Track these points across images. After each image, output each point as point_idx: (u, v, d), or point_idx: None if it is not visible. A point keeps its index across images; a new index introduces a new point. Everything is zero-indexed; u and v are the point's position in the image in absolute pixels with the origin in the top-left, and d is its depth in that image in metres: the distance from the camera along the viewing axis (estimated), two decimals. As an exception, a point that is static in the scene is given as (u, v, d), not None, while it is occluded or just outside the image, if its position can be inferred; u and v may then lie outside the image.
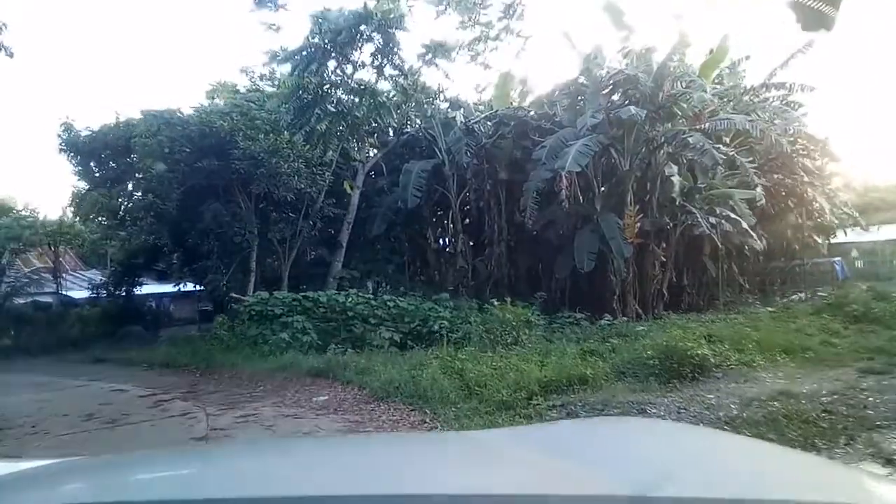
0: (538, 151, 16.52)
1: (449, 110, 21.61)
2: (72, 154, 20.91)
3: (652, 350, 9.33)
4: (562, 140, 16.11)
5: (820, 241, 23.25)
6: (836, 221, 23.70)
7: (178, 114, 17.71)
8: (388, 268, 21.05)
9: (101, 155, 20.59)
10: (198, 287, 23.04)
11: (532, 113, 19.93)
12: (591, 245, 16.26)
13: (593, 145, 15.42)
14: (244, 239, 18.10)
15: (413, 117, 21.28)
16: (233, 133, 16.72)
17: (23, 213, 23.84)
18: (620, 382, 8.41)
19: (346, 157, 20.44)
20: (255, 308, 14.34)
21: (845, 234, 24.95)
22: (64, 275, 32.26)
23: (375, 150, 22.27)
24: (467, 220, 21.87)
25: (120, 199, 19.49)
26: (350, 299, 14.29)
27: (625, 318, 15.91)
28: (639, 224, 16.68)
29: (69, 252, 35.25)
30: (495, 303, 13.56)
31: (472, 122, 20.62)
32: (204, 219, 17.63)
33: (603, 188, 17.64)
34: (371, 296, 14.77)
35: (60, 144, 20.66)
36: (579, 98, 17.84)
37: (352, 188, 20.70)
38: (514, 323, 11.50)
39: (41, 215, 23.65)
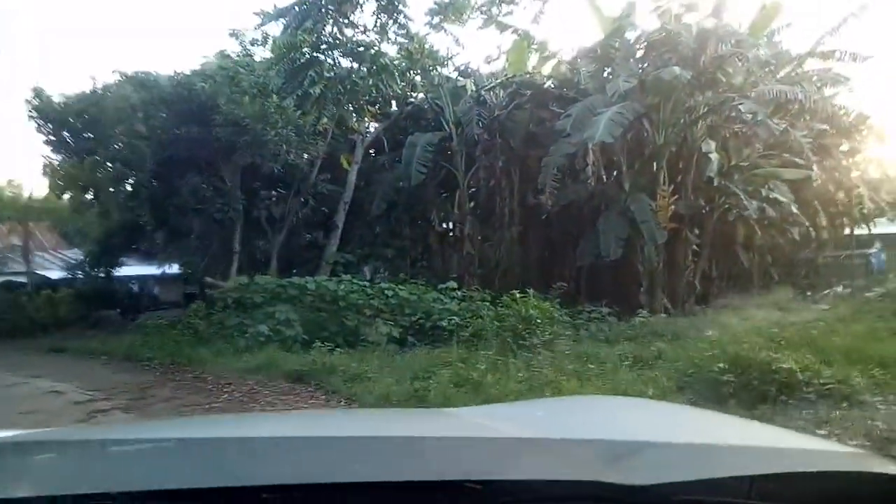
0: (562, 121, 14.39)
1: (458, 79, 19.45)
2: (43, 122, 18.78)
3: (720, 360, 7.28)
4: (589, 108, 13.98)
5: (856, 230, 21.24)
6: (874, 209, 21.65)
7: (153, 74, 15.55)
8: (388, 252, 18.98)
9: (75, 123, 18.43)
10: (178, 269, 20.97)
11: (552, 80, 17.74)
12: (619, 229, 14.18)
13: (627, 113, 13.30)
14: (226, 216, 16.04)
15: (419, 85, 19.06)
16: (215, 96, 14.59)
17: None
18: (690, 405, 6.36)
19: (344, 128, 18.29)
20: (232, 295, 12.30)
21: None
22: (41, 253, 30.26)
23: (375, 124, 20.10)
24: (475, 202, 19.77)
25: (92, 172, 17.31)
26: (343, 287, 12.25)
27: (648, 313, 13.96)
28: (672, 207, 14.60)
29: (48, 229, 33.26)
30: (514, 294, 11.53)
31: (483, 90, 18.45)
32: (181, 193, 15.55)
33: (631, 166, 15.52)
34: (367, 283, 12.72)
35: (30, 112, 18.52)
36: (607, 63, 15.67)
37: (349, 164, 18.60)
38: (538, 320, 9.43)
39: (11, 189, 21.42)
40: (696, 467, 1.12)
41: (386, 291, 12.32)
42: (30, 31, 57.86)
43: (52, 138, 19.04)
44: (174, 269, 23.22)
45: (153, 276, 28.24)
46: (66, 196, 19.65)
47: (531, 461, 1.23)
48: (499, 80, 18.27)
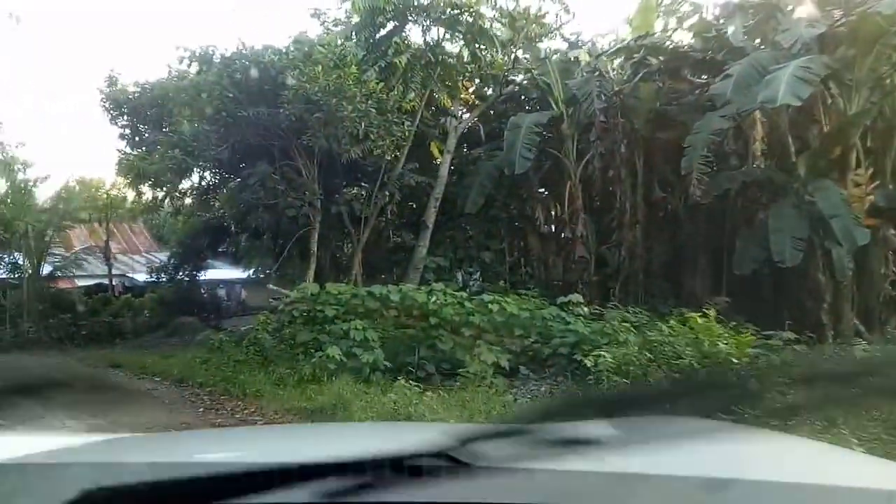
0: (719, 84, 10.90)
1: (569, 51, 16.25)
2: (116, 112, 17.34)
3: None
4: (756, 67, 10.41)
5: None
6: None
7: (218, 49, 13.43)
8: (484, 256, 16.04)
9: (147, 113, 16.82)
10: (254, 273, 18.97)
11: (691, 43, 14.17)
12: (797, 227, 10.49)
13: (815, 68, 9.64)
14: (301, 213, 13.65)
15: (521, 59, 16.02)
16: (285, 70, 12.24)
17: (71, 184, 20.54)
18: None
19: (434, 109, 15.55)
20: (298, 307, 9.75)
21: None
22: (133, 256, 29.66)
23: (467, 114, 17.20)
24: (589, 196, 16.45)
25: (161, 165, 15.51)
26: (435, 298, 9.39)
27: (834, 338, 10.22)
28: (870, 197, 10.75)
29: (137, 230, 32.83)
30: (681, 312, 8.26)
31: (600, 62, 15.15)
32: (250, 186, 13.34)
33: (806, 144, 11.74)
34: (464, 294, 9.78)
35: (102, 100, 17.12)
36: (772, 13, 11.97)
37: (441, 152, 15.86)
38: (730, 356, 6.08)
39: (90, 187, 20.27)
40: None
41: (489, 305, 9.35)
42: (107, 15, 58.89)
43: (127, 131, 17.59)
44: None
45: (241, 280, 26.87)
46: (139, 193, 18.08)
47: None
48: (619, 47, 14.88)
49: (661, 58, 13.97)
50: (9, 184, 18.54)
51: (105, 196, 19.41)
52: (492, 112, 17.23)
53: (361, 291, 9.80)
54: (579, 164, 15.67)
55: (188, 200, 17.05)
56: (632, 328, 8.51)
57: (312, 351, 10.49)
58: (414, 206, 15.93)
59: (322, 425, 5.20)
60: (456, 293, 9.76)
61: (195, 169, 15.04)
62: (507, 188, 15.87)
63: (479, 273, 16.53)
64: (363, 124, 11.59)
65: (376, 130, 11.85)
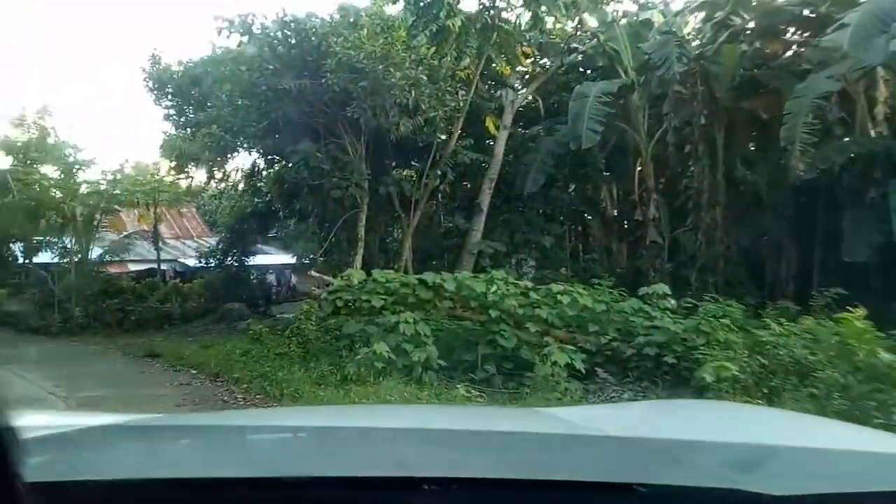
0: (832, 35, 9.19)
1: (639, 12, 14.60)
2: (160, 92, 16.71)
3: None
4: (879, 14, 8.66)
5: None
6: None
7: (258, 19, 12.41)
8: (544, 241, 14.66)
9: (190, 92, 16.10)
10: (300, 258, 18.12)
11: (787, -3, 12.34)
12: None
13: (962, 11, 7.86)
14: (348, 195, 12.60)
15: (586, 21, 14.46)
16: (329, 37, 11.13)
17: (126, 170, 20.07)
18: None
19: (491, 83, 14.21)
20: (342, 296, 8.68)
21: None
22: (185, 241, 29.49)
23: (523, 90, 15.74)
24: (662, 174, 14.87)
25: (202, 145, 14.71)
26: (495, 288, 8.14)
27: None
28: None
29: (194, 215, 32.69)
30: (756, 301, 6.81)
31: (676, 20, 13.47)
32: (293, 165, 12.37)
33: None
34: (528, 283, 8.49)
35: (146, 80, 16.49)
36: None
37: (497, 128, 14.52)
38: (886, 369, 4.63)
39: (136, 170, 19.78)
40: (835, 477, 1.03)
41: (559, 297, 8.04)
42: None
43: (171, 112, 16.93)
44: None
45: (290, 265, 26.27)
46: (186, 175, 17.45)
47: (665, 465, 1.13)
48: (701, 0, 13.16)
49: (750, 15, 12.20)
50: (58, 168, 18.21)
51: (153, 179, 18.85)
52: (552, 86, 15.77)
53: (412, 279, 8.64)
54: (651, 140, 14.12)
55: (233, 183, 16.22)
56: (732, 326, 7.05)
57: (357, 345, 9.56)
58: (468, 186, 14.68)
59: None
60: (519, 282, 8.48)
61: (238, 149, 14.18)
62: (571, 165, 14.44)
63: (537, 259, 15.22)
64: (413, 93, 10.37)
65: (427, 100, 10.62)
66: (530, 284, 8.40)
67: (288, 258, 25.49)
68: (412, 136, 12.85)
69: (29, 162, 19.36)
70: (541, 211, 14.92)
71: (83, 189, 17.99)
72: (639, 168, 14.48)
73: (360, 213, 13.28)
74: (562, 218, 15.94)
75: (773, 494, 0.86)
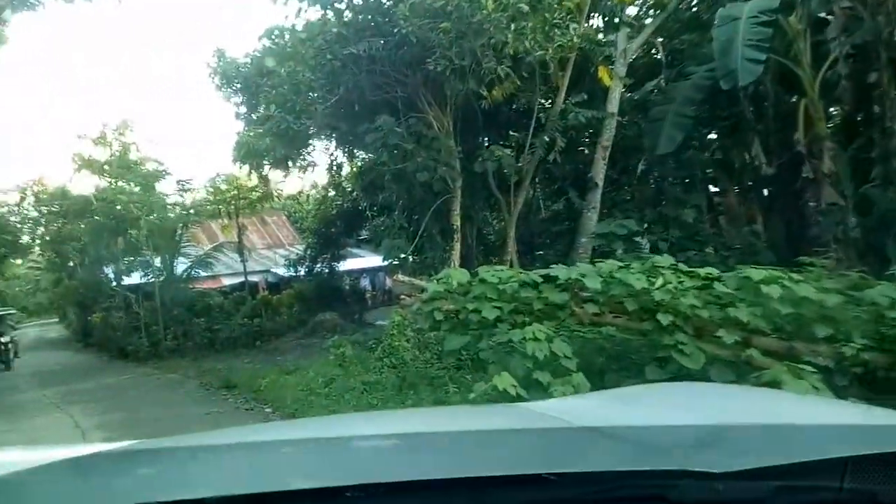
0: None
1: None
2: (227, 88, 15.21)
3: None
4: None
5: None
6: None
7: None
8: (684, 214, 11.61)
9: (258, 83, 14.42)
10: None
11: None
12: None
13: None
14: (436, 177, 10.25)
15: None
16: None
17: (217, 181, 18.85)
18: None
19: (606, 19, 11.37)
20: (440, 306, 6.28)
21: None
22: (277, 250, 28.48)
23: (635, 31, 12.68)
24: (835, 117, 11.44)
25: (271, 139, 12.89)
26: (662, 282, 5.43)
27: None
28: None
29: (284, 223, 31.78)
30: None
31: None
32: (370, 145, 10.21)
33: None
34: (711, 271, 5.65)
35: (211, 76, 15.03)
36: None
37: (611, 79, 11.65)
38: None
39: (232, 181, 18.53)
40: (783, 451, 1.02)
41: (762, 287, 5.20)
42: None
43: (242, 109, 15.39)
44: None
45: (383, 267, 24.51)
46: (260, 176, 15.85)
47: (607, 451, 1.15)
48: None
49: None
50: (138, 184, 17.22)
51: (233, 186, 17.54)
52: (672, 25, 12.68)
53: (534, 277, 6.10)
54: (818, 73, 10.75)
55: (313, 181, 14.47)
56: None
57: (465, 368, 7.26)
58: (581, 151, 11.94)
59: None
60: (693, 270, 5.71)
61: (310, 139, 12.27)
62: (711, 115, 11.35)
63: (672, 239, 12.18)
64: (512, 27, 7.77)
65: (531, 35, 7.95)
66: (713, 272, 5.61)
67: (380, 260, 23.76)
68: (508, 99, 10.38)
69: (113, 180, 18.67)
70: (675, 179, 11.89)
71: (163, 202, 16.89)
72: (803, 111, 11.14)
73: (452, 198, 10.92)
74: (706, 185, 12.79)
75: (721, 472, 0.86)
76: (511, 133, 11.63)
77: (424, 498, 0.92)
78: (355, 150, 14.88)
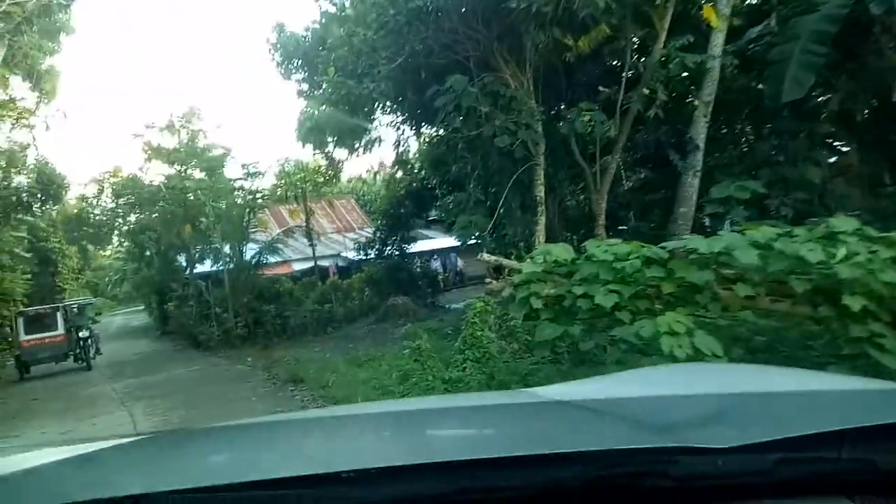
0: None
1: None
2: (288, 64, 14.36)
3: None
4: None
5: None
6: None
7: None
8: (810, 174, 9.75)
9: (319, 56, 13.49)
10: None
11: None
12: None
13: None
14: (517, 142, 8.93)
15: None
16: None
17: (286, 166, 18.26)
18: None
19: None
20: (538, 290, 5.00)
21: None
22: (347, 234, 27.92)
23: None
24: None
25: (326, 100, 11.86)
26: (845, 252, 3.93)
27: None
28: None
29: (353, 206, 31.24)
30: None
31: None
32: (436, 116, 9.01)
33: None
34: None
35: (271, 51, 14.22)
36: None
37: (716, 17, 9.87)
38: None
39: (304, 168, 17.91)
40: (781, 424, 1.01)
41: None
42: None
43: (303, 86, 14.52)
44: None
45: (455, 247, 23.41)
46: (324, 155, 14.96)
47: (607, 430, 1.14)
48: None
49: None
50: (204, 170, 16.78)
51: (299, 169, 16.84)
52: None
53: (660, 252, 4.74)
54: None
55: (379, 161, 13.48)
56: None
57: (565, 358, 6.09)
58: (675, 109, 10.28)
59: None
60: (889, 235, 4.20)
61: (374, 107, 11.18)
62: (846, 51, 9.39)
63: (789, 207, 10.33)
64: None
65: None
66: (916, 237, 4.10)
67: (451, 240, 22.70)
68: (595, 51, 8.89)
69: (182, 168, 18.41)
70: (803, 131, 10.02)
71: (229, 188, 16.38)
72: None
73: (534, 166, 9.57)
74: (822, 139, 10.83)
75: (722, 447, 0.86)
76: (601, 89, 10.08)
77: (425, 479, 0.90)
78: (422, 126, 13.75)
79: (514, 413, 1.40)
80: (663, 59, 8.84)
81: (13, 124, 14.71)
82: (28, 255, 21.60)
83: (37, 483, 1.12)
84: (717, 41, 10.18)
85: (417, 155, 15.71)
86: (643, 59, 10.13)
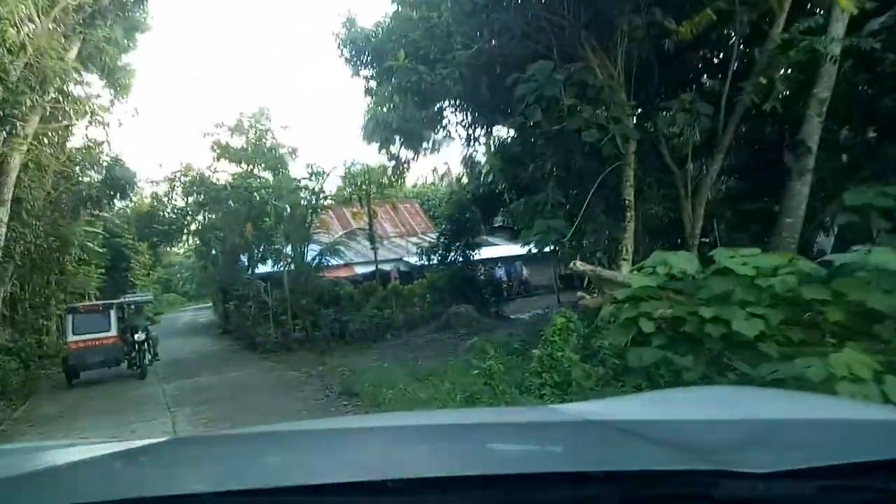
0: None
1: None
2: (357, 61, 13.76)
3: None
4: None
5: None
6: None
7: None
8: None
9: (387, 53, 12.80)
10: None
11: None
12: None
13: None
14: (606, 138, 7.85)
15: None
16: None
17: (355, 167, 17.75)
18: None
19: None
20: (649, 309, 3.95)
21: None
22: (410, 238, 27.26)
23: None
24: None
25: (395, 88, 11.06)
26: None
27: None
28: None
29: (417, 210, 30.61)
30: None
31: None
32: (510, 111, 8.06)
33: None
34: None
35: (339, 46, 13.66)
36: None
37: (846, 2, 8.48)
38: None
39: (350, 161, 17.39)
40: (828, 450, 0.99)
41: None
42: None
43: (372, 83, 13.87)
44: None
45: (520, 256, 22.32)
46: (388, 155, 14.24)
47: (649, 451, 1.10)
48: None
49: None
50: (266, 167, 16.43)
51: (363, 171, 16.26)
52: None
53: (818, 269, 3.62)
54: None
55: (446, 166, 12.65)
56: None
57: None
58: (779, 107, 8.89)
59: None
60: None
61: (443, 101, 10.34)
62: None
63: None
64: None
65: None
66: None
67: (517, 248, 21.63)
68: (697, 39, 7.73)
69: (248, 167, 18.23)
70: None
71: (293, 187, 15.95)
72: None
73: (623, 166, 8.45)
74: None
75: (760, 472, 0.84)
76: (702, 80, 8.86)
77: (465, 494, 0.89)
78: (493, 126, 12.84)
79: (549, 431, 1.38)
80: (784, 42, 7.54)
81: (89, 122, 14.74)
82: (102, 250, 22.05)
83: (66, 481, 1.11)
84: (838, 30, 8.80)
85: (486, 157, 14.79)
86: (747, 49, 8.88)
